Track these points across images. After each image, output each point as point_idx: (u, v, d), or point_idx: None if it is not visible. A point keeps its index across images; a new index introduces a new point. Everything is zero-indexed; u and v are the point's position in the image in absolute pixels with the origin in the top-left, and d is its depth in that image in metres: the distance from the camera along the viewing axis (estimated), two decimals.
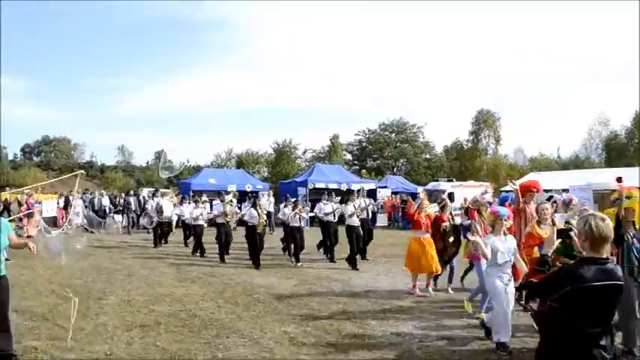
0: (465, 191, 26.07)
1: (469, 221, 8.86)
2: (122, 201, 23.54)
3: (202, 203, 16.22)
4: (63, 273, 11.15)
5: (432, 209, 12.86)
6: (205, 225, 15.56)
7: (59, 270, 11.53)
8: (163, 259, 14.01)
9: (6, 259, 5.56)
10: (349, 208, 13.24)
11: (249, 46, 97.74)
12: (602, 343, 2.99)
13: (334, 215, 14.12)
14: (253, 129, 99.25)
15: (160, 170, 13.83)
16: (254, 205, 13.23)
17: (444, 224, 9.85)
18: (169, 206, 17.57)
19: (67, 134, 75.49)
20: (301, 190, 26.01)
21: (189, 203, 17.79)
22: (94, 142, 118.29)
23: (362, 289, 9.85)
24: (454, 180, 31.36)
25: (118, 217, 21.48)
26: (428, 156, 56.18)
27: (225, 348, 6.14)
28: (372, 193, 25.23)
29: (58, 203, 23.55)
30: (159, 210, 17.27)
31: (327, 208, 14.23)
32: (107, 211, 23.24)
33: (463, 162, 50.15)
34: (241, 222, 14.49)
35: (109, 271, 11.71)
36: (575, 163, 47.30)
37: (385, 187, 30.89)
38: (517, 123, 71.29)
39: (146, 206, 20.35)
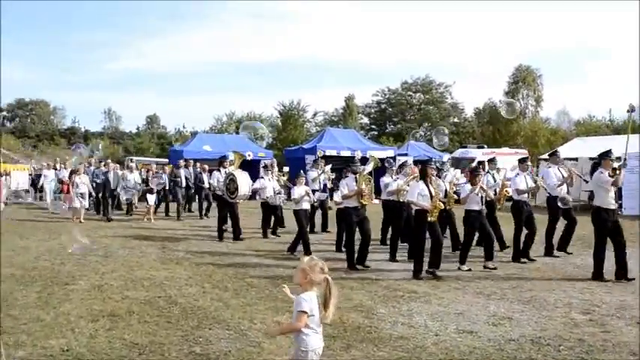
0: (498, 160, 25.50)
1: None
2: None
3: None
4: (28, 254, 11.01)
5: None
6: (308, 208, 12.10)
7: (24, 251, 11.42)
8: (148, 237, 13.81)
9: None
10: (519, 181, 10.15)
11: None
12: None
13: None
14: (258, 89, 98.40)
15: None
16: (355, 173, 10.11)
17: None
18: (246, 179, 13.51)
19: (45, 97, 75.17)
20: (309, 159, 25.66)
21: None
22: (76, 105, 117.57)
23: (372, 272, 9.55)
24: (485, 146, 30.73)
25: (152, 198, 17.81)
26: (456, 119, 55.32)
27: (206, 341, 5.86)
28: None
29: (31, 175, 23.77)
30: (230, 185, 13.36)
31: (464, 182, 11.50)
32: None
33: (497, 126, 49.21)
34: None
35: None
36: (631, 127, 46.06)
37: (406, 154, 30.41)
38: (561, 81, 69.69)
39: (210, 181, 16.50)
